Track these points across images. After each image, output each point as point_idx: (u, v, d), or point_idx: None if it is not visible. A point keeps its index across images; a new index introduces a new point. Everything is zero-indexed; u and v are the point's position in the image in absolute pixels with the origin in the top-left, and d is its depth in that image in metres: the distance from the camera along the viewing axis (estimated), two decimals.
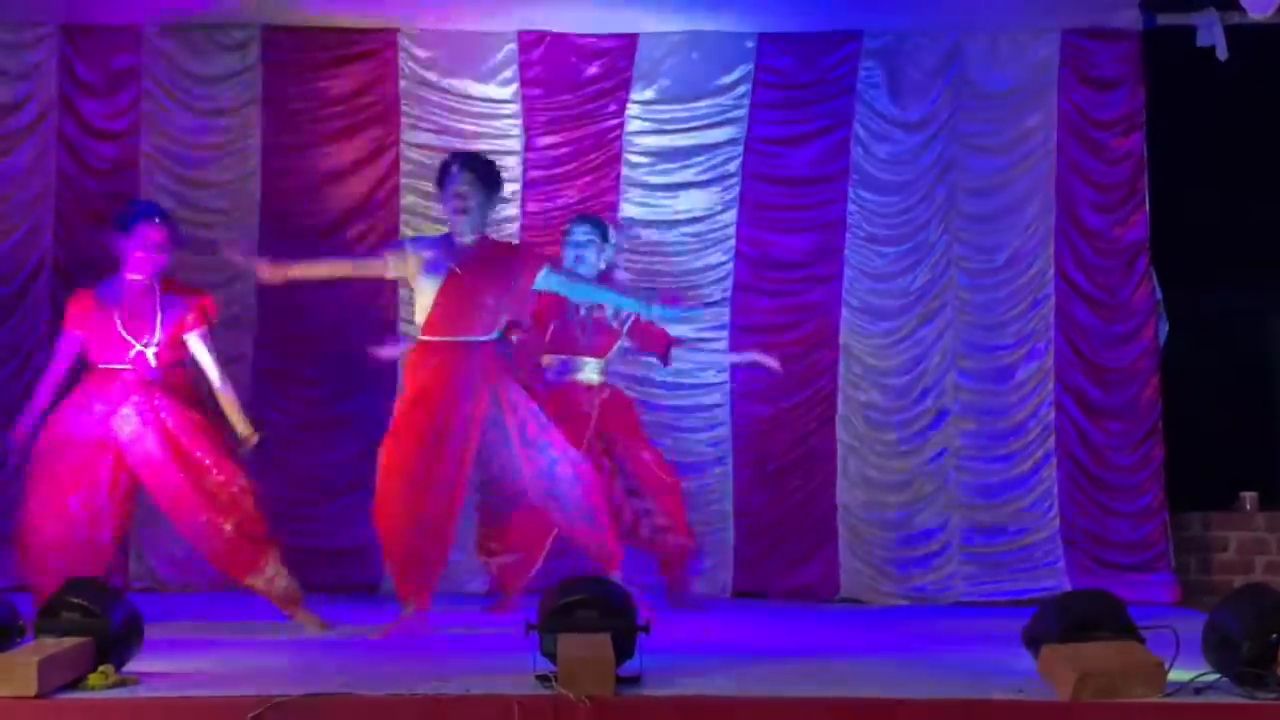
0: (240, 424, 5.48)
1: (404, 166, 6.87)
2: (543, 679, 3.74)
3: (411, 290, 5.36)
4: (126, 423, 5.29)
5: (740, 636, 5.32)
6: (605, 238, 5.99)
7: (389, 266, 5.38)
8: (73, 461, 5.25)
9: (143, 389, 5.31)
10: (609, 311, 5.95)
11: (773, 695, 3.78)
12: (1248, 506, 6.82)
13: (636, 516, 5.94)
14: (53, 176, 6.80)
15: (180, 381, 5.43)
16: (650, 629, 4.00)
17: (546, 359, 5.98)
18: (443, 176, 5.33)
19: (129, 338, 5.33)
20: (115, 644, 3.95)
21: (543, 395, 5.50)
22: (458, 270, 5.18)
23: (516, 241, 5.55)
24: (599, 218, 6.18)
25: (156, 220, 5.40)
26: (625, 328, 6.01)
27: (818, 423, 6.80)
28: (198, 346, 5.46)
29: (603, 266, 6.01)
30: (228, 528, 5.31)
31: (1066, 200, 6.85)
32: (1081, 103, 6.88)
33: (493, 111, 6.89)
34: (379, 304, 6.80)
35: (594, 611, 3.94)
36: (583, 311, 5.93)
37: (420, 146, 6.89)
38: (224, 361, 5.65)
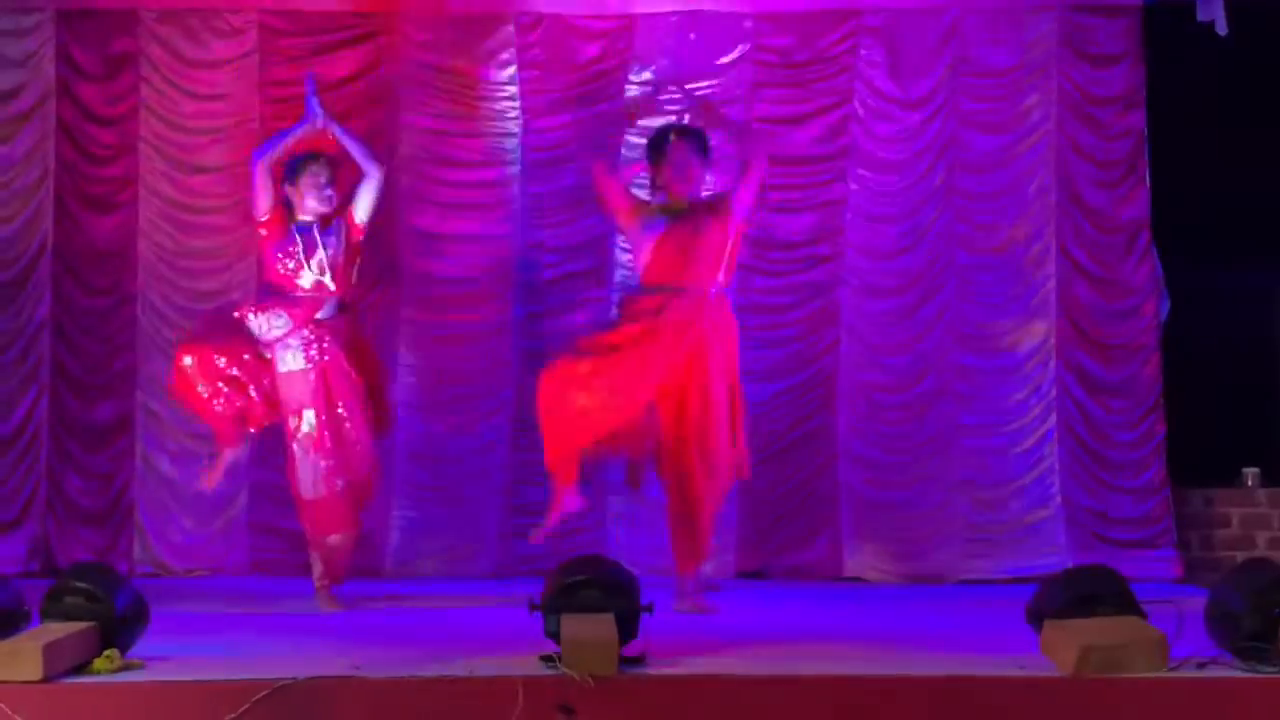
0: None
1: (403, 150, 6.85)
2: (547, 659, 3.76)
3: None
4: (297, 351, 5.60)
5: (743, 616, 5.34)
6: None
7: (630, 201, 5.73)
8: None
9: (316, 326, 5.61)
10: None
11: (775, 674, 3.79)
12: (1250, 482, 6.82)
13: None
14: (52, 162, 6.79)
15: (352, 332, 5.75)
16: (654, 609, 4.01)
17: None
18: (655, 147, 5.71)
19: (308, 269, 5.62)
20: (120, 628, 3.96)
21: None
22: (672, 225, 5.53)
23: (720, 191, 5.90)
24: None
25: (321, 159, 5.71)
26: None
27: (819, 402, 6.80)
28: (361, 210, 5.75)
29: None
30: (339, 483, 5.54)
31: (1067, 177, 6.84)
32: (1081, 79, 6.86)
33: (491, 94, 6.88)
34: (380, 288, 6.79)
35: (597, 591, 3.96)
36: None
37: (419, 130, 6.87)
38: None
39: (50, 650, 3.68)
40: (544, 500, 6.69)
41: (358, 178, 5.81)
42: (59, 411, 6.73)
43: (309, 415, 5.55)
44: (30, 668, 3.64)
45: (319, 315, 5.61)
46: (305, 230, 5.65)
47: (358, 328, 5.87)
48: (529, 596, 4.05)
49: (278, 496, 6.69)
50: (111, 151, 6.85)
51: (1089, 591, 4.00)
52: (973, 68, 6.86)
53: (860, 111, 6.86)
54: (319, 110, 5.85)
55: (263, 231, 5.69)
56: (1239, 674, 3.76)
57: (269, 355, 5.59)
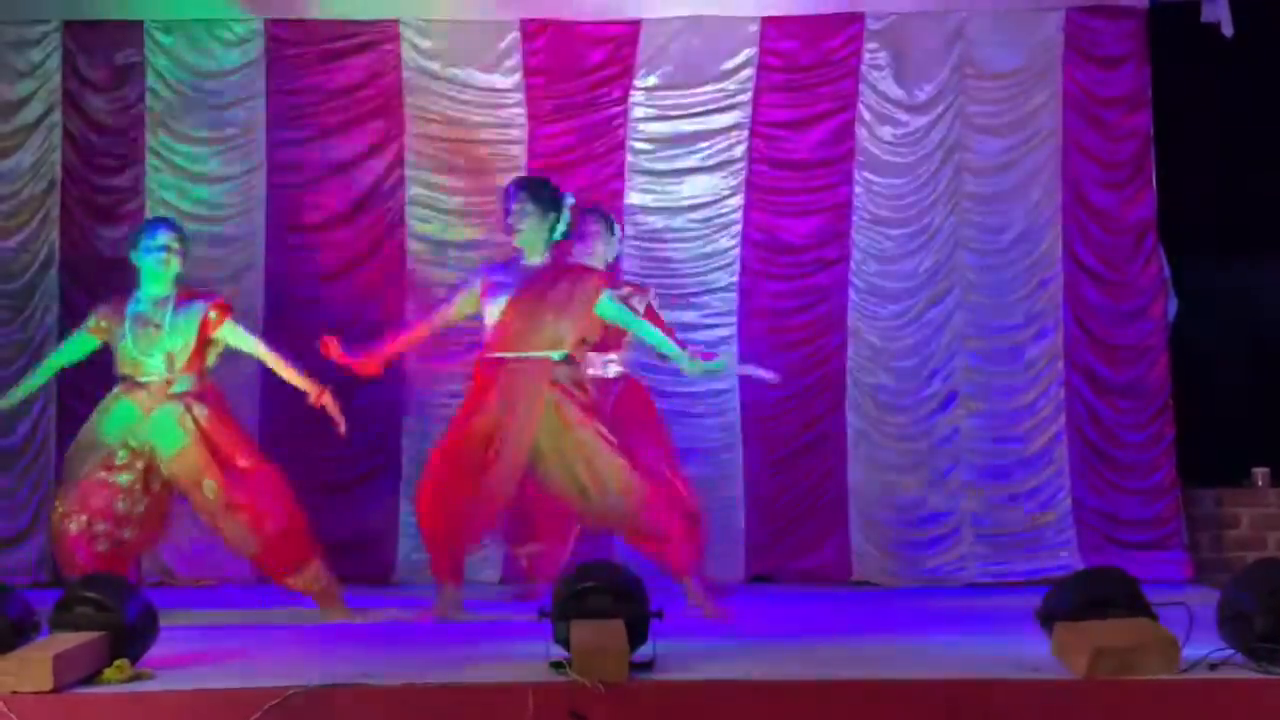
0: (305, 384, 5.54)
1: (408, 158, 6.86)
2: (557, 666, 3.75)
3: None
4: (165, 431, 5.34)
5: (753, 621, 5.33)
6: (611, 230, 5.99)
7: (461, 307, 5.53)
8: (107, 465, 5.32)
9: (174, 398, 5.37)
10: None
11: (786, 679, 3.79)
12: (1260, 482, 6.80)
13: None
14: (59, 172, 6.81)
15: (210, 390, 5.51)
16: (664, 614, 4.00)
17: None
18: (503, 198, 5.52)
19: (151, 348, 5.38)
20: (130, 638, 3.96)
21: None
22: (519, 291, 5.33)
23: (585, 263, 5.63)
24: (602, 209, 6.17)
25: (162, 229, 5.50)
26: (642, 309, 5.95)
27: (827, 406, 6.80)
28: (233, 332, 5.51)
29: (610, 258, 6.02)
30: (270, 527, 5.36)
31: (1073, 179, 6.84)
32: (1087, 81, 6.86)
33: (496, 101, 6.89)
34: (386, 296, 6.81)
35: (607, 597, 3.95)
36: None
37: (425, 137, 6.88)
38: (229, 357, 5.70)
39: (60, 661, 3.68)
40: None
41: None
42: (67, 421, 6.73)
43: (208, 485, 5.34)
44: (40, 678, 3.64)
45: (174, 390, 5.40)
46: (143, 312, 5.42)
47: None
48: (538, 603, 4.05)
49: None
50: (118, 162, 6.86)
51: (1100, 594, 3.99)
52: (978, 70, 6.86)
53: (866, 115, 6.86)
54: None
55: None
56: (1251, 675, 3.75)
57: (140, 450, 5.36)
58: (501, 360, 5.33)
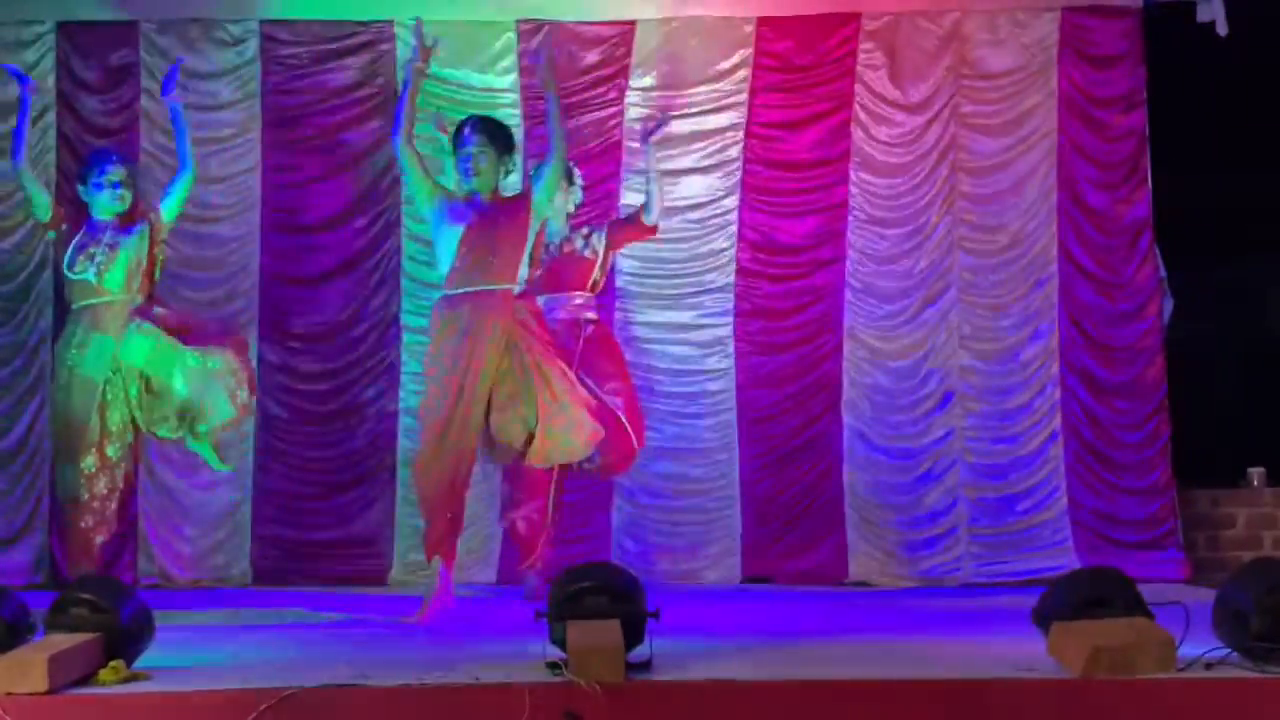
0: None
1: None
2: (553, 666, 3.74)
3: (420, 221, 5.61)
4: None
5: (749, 621, 5.33)
6: (570, 180, 6.07)
7: (420, 175, 5.48)
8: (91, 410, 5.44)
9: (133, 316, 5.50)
10: (578, 243, 6.08)
11: (783, 679, 3.78)
12: (1255, 482, 6.81)
13: None
14: (54, 174, 6.79)
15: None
16: (660, 615, 4.00)
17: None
18: (456, 138, 5.47)
19: (111, 266, 5.51)
20: (126, 639, 3.95)
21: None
22: (472, 225, 5.32)
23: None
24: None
25: (113, 160, 5.63)
26: (601, 248, 6.07)
27: (823, 406, 6.80)
28: (170, 208, 5.68)
29: (571, 209, 6.13)
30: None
31: (1068, 179, 6.84)
32: (1082, 81, 6.87)
33: (492, 101, 6.88)
34: (382, 297, 6.81)
35: (603, 598, 3.94)
36: (553, 249, 6.02)
37: (419, 137, 6.85)
38: None
39: (56, 662, 3.67)
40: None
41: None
42: None
43: (191, 358, 5.52)
44: (36, 679, 3.63)
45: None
46: (99, 229, 5.61)
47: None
48: (534, 604, 4.04)
49: (281, 506, 6.71)
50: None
51: (1096, 593, 3.98)
52: (973, 70, 6.87)
53: (861, 115, 6.86)
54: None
55: (51, 233, 5.75)
56: (1248, 674, 3.75)
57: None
58: (459, 296, 5.31)
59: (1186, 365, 6.78)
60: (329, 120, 6.86)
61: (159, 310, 5.61)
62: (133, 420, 5.51)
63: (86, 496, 5.41)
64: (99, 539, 5.43)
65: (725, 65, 6.87)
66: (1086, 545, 6.61)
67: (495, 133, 5.47)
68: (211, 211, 6.83)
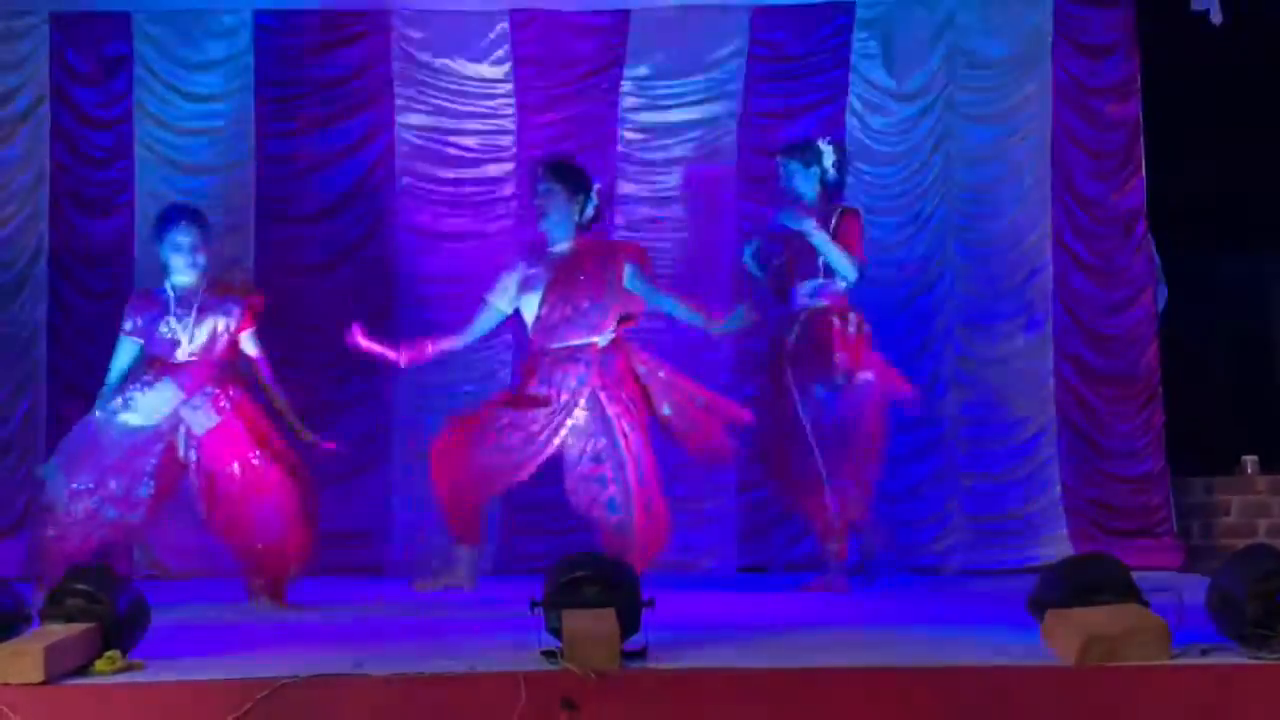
0: (297, 424, 5.51)
1: (399, 148, 6.86)
2: (548, 655, 3.75)
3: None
4: (198, 412, 5.33)
5: (744, 610, 5.33)
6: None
7: (497, 308, 5.50)
8: (122, 448, 5.29)
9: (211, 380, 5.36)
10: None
11: (777, 667, 3.79)
12: (1249, 470, 6.82)
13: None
14: (47, 165, 6.79)
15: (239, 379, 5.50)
16: (654, 603, 4.00)
17: None
18: (530, 180, 5.55)
19: (179, 337, 5.37)
20: (121, 629, 3.95)
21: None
22: (553, 280, 5.34)
23: (613, 239, 5.58)
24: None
25: (184, 223, 5.45)
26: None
27: None
28: (249, 345, 5.52)
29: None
30: (281, 525, 5.35)
31: (1063, 168, 6.85)
32: (1076, 70, 6.87)
33: (487, 91, 6.88)
34: (377, 288, 6.81)
35: (598, 586, 3.95)
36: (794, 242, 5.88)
37: (415, 128, 6.88)
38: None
39: (51, 652, 3.67)
40: (546, 498, 6.74)
41: None
42: (57, 415, 6.71)
43: (237, 465, 5.34)
44: (32, 669, 3.63)
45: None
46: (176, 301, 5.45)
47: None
48: (530, 593, 4.05)
49: None
50: (107, 154, 6.85)
51: (1090, 581, 3.99)
52: (968, 59, 6.87)
53: (856, 105, 6.87)
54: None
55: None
56: (1241, 661, 3.76)
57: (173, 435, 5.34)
58: (545, 351, 5.35)
59: (1180, 353, 6.79)
60: (323, 111, 6.85)
61: (234, 392, 5.41)
62: (158, 477, 5.31)
63: (61, 510, 5.24)
64: (62, 547, 5.23)
65: (720, 54, 6.87)
66: (1081, 533, 6.63)
67: (564, 174, 5.45)
68: (205, 202, 6.80)
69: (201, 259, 5.45)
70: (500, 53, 6.88)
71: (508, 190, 6.85)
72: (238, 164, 6.84)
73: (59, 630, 3.84)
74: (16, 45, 6.80)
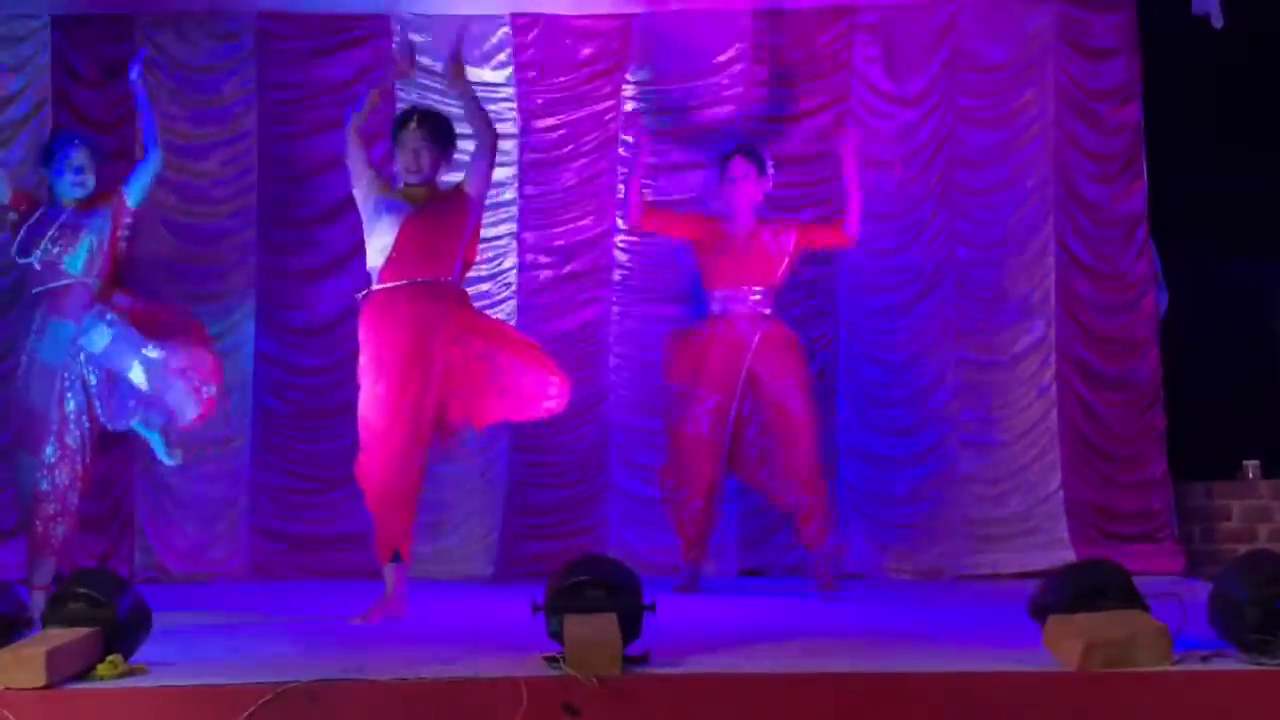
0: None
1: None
2: (550, 660, 3.75)
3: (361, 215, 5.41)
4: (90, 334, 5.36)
5: (746, 614, 5.33)
6: (762, 169, 6.05)
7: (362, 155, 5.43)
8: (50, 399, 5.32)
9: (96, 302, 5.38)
10: (766, 238, 6.02)
11: (779, 671, 3.79)
12: (1250, 475, 6.82)
13: (762, 454, 6.02)
14: None
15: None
16: (656, 608, 4.01)
17: (708, 295, 6.07)
18: (397, 130, 5.41)
19: (72, 249, 5.38)
20: (123, 633, 3.95)
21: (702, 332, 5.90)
22: (416, 214, 5.25)
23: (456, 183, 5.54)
24: (749, 145, 6.19)
25: (76, 143, 5.50)
26: (790, 246, 6.04)
27: (818, 399, 6.78)
28: (134, 189, 5.56)
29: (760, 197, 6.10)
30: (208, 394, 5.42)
31: (1064, 172, 6.85)
32: (1077, 74, 6.87)
33: (488, 95, 6.84)
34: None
35: (600, 591, 3.95)
36: (743, 237, 6.00)
37: None
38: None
39: (53, 656, 3.67)
40: (546, 502, 6.75)
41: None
42: None
43: (149, 352, 5.39)
44: (33, 674, 3.63)
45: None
46: (59, 214, 5.46)
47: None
48: (531, 598, 4.05)
49: (278, 500, 6.72)
50: (108, 157, 6.81)
51: (1092, 586, 3.99)
52: (969, 63, 6.87)
53: (857, 109, 6.86)
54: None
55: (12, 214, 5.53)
56: (1243, 666, 3.76)
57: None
58: (399, 289, 5.25)
59: (1182, 357, 6.78)
60: (325, 114, 6.84)
61: (120, 299, 5.47)
62: (88, 409, 5.37)
63: (47, 486, 5.29)
64: (60, 530, 5.31)
65: (721, 59, 6.87)
66: (1082, 538, 6.62)
67: (438, 127, 5.41)
68: (208, 205, 6.83)
69: (91, 181, 5.48)
70: (502, 57, 6.88)
71: (509, 194, 6.84)
72: (239, 167, 6.84)
73: (61, 634, 3.84)
74: (18, 48, 6.79)
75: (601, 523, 6.70)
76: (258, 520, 6.68)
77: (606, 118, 6.87)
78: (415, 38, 6.84)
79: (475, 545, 6.68)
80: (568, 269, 6.85)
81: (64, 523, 5.34)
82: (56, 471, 5.32)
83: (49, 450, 5.31)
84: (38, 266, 5.39)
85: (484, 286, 6.80)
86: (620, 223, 6.75)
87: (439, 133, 5.40)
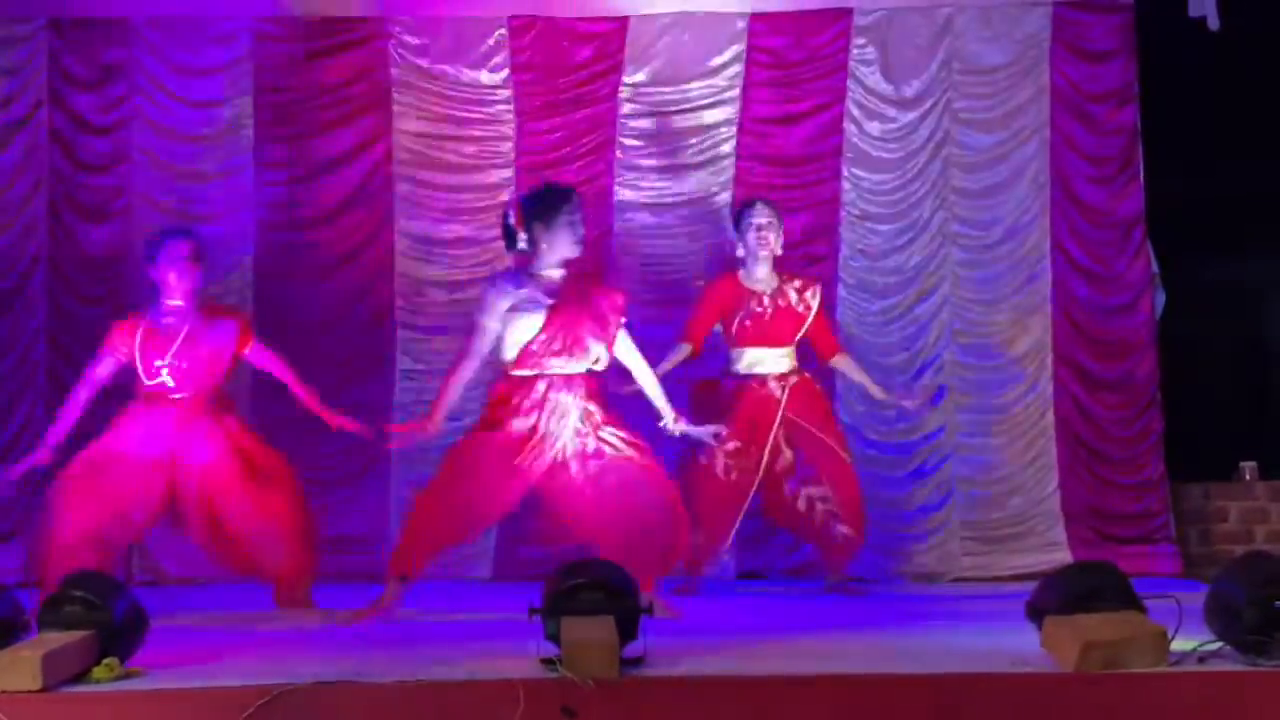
0: (328, 413, 5.56)
1: (397, 155, 6.86)
2: (547, 662, 3.75)
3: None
4: (198, 445, 5.33)
5: (743, 617, 5.33)
6: (779, 220, 6.03)
7: (488, 334, 5.26)
8: (118, 475, 5.25)
9: (207, 414, 5.36)
10: (792, 298, 6.01)
11: (776, 674, 3.79)
12: (1247, 476, 6.82)
13: (811, 502, 6.01)
14: (45, 171, 6.79)
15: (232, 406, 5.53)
16: (653, 610, 4.00)
17: (734, 353, 6.04)
18: (554, 209, 5.23)
19: (172, 361, 5.34)
20: (119, 637, 3.95)
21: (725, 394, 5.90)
22: (554, 305, 5.19)
23: (595, 275, 5.55)
24: (765, 199, 6.16)
25: (181, 237, 5.47)
26: (815, 305, 6.04)
27: None
28: (259, 353, 5.55)
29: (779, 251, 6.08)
30: (288, 548, 5.38)
31: (1061, 174, 6.86)
32: (1074, 76, 6.88)
33: (485, 97, 6.88)
34: (375, 294, 6.81)
35: (597, 594, 3.95)
36: (765, 301, 5.98)
37: (413, 134, 6.88)
38: None
39: (49, 659, 3.67)
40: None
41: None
42: (53, 421, 6.70)
43: (239, 497, 5.34)
44: (29, 677, 3.62)
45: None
46: (165, 323, 5.42)
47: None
48: (528, 600, 4.04)
49: None
50: (105, 160, 6.85)
51: (1089, 587, 3.99)
52: (966, 65, 6.88)
53: (854, 110, 6.87)
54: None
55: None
56: (1240, 667, 3.76)
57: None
58: (532, 378, 5.21)
59: (1178, 359, 6.79)
60: (322, 117, 6.85)
61: (230, 424, 5.43)
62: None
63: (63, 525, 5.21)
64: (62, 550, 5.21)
65: (718, 61, 6.88)
66: (1079, 540, 6.63)
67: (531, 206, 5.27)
68: (203, 209, 6.82)
69: (199, 274, 5.46)
70: (499, 59, 6.88)
71: (506, 196, 6.84)
72: (236, 170, 6.84)
73: (57, 638, 3.83)
74: (14, 51, 6.80)
75: None
76: None
77: (604, 119, 6.87)
78: (411, 39, 6.87)
79: (472, 547, 6.66)
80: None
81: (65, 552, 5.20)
82: (77, 525, 5.22)
83: (82, 504, 5.22)
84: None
85: (481, 289, 6.80)
86: (616, 225, 6.76)
87: (533, 209, 5.26)
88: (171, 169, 6.83)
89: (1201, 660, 3.80)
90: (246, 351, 5.55)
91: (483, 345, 5.27)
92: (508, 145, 6.84)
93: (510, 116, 6.86)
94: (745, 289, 6.01)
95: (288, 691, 3.60)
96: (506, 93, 6.87)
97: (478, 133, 6.89)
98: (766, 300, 6.00)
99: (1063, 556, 6.49)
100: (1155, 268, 6.82)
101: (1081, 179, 6.86)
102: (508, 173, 6.84)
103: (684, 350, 5.98)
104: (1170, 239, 6.82)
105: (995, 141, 6.87)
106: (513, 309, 5.22)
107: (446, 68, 6.86)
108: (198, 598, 6.01)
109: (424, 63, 6.87)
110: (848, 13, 6.86)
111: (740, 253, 6.05)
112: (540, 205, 5.25)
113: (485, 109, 6.88)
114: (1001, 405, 6.78)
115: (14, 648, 3.82)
